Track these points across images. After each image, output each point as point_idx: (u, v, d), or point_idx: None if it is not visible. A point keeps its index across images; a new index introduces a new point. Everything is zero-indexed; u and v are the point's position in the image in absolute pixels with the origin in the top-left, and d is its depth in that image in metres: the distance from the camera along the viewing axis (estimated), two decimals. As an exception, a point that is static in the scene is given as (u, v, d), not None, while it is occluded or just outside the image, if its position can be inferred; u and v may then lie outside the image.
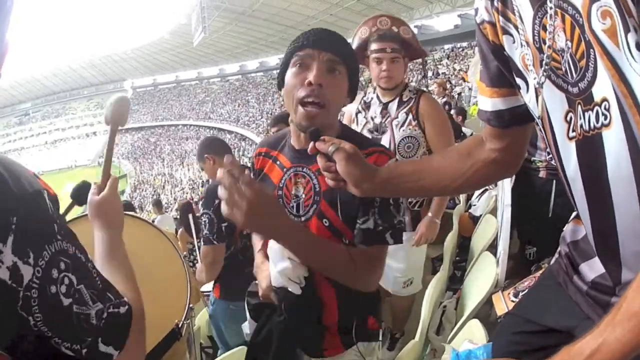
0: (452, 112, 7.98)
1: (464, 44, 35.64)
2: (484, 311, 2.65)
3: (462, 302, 2.89)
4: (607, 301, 0.99)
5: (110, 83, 79.52)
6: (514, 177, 3.17)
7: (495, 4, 1.02)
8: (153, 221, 7.68)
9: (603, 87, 0.79)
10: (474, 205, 4.75)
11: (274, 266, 1.50)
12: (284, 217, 1.40)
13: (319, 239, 1.48)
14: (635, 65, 0.73)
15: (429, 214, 2.97)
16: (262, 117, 46.19)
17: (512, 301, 2.38)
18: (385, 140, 2.87)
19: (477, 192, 4.86)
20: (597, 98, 0.81)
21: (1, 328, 0.75)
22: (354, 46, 2.98)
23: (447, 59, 35.39)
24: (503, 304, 2.41)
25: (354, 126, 3.04)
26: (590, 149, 0.85)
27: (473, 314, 2.35)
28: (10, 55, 0.91)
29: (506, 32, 1.01)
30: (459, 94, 15.37)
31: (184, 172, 48.06)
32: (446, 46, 37.90)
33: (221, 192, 1.28)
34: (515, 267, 3.14)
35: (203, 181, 36.47)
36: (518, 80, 1.03)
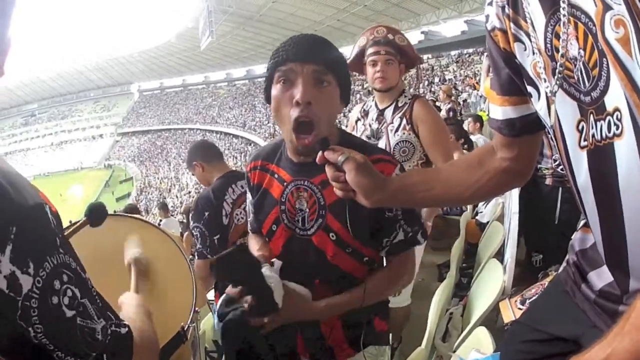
0: (469, 119, 7.79)
1: (471, 50, 35.65)
2: (490, 318, 2.63)
3: (469, 309, 2.87)
4: (614, 309, 0.98)
5: (117, 86, 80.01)
6: (520, 184, 3.15)
7: (507, 10, 1.01)
8: (159, 224, 7.70)
9: (615, 97, 0.78)
10: (481, 212, 4.74)
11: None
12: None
13: (338, 303, 1.53)
14: None
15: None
16: (268, 122, 46.31)
17: (519, 308, 2.36)
18: (381, 145, 2.89)
19: (483, 199, 4.84)
20: (609, 107, 0.79)
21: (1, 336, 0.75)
22: (353, 55, 3.08)
23: (455, 64, 35.40)
24: (510, 312, 2.40)
25: (354, 133, 3.07)
26: (602, 158, 0.84)
27: (480, 321, 2.33)
28: (16, 54, 0.90)
29: (517, 39, 1.00)
30: (465, 100, 15.34)
31: (190, 175, 48.14)
32: (453, 52, 37.89)
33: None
34: (522, 274, 3.13)
35: (208, 185, 36.52)
36: (529, 88, 1.02)
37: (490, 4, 1.07)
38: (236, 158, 43.99)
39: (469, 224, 4.60)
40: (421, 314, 3.22)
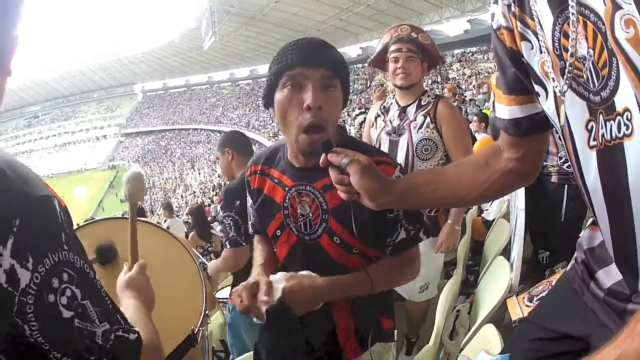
0: (475, 118, 7.74)
1: (474, 49, 35.60)
2: (498, 315, 2.63)
3: (476, 306, 2.87)
4: (623, 308, 0.98)
5: (120, 87, 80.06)
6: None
7: (513, 9, 1.00)
8: (163, 224, 7.71)
9: (625, 97, 0.77)
10: (487, 210, 4.73)
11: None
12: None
13: (342, 282, 1.48)
14: None
15: (449, 221, 2.97)
16: (272, 122, 46.24)
17: (527, 306, 2.36)
18: (402, 142, 2.91)
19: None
20: (619, 108, 0.79)
21: None
22: (376, 52, 3.11)
23: (459, 63, 35.35)
24: (517, 309, 2.39)
25: (372, 130, 3.13)
26: (611, 158, 0.83)
27: (487, 319, 2.33)
28: (21, 54, 0.90)
29: (524, 38, 0.99)
30: (471, 99, 15.31)
31: (194, 175, 48.27)
32: (456, 51, 37.81)
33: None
34: (528, 271, 3.12)
35: (214, 185, 36.59)
36: (537, 87, 1.01)
37: (496, 2, 1.06)
38: (240, 158, 43.88)
39: (475, 222, 4.60)
40: (429, 312, 3.23)
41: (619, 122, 0.79)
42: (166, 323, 1.24)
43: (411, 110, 2.93)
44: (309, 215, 1.54)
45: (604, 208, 0.90)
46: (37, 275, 0.73)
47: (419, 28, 3.02)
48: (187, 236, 7.50)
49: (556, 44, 0.90)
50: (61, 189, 47.86)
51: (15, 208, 0.73)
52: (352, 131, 17.67)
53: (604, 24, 0.78)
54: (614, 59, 0.77)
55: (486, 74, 26.78)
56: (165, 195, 44.43)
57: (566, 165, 3.14)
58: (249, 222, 1.81)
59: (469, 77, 28.41)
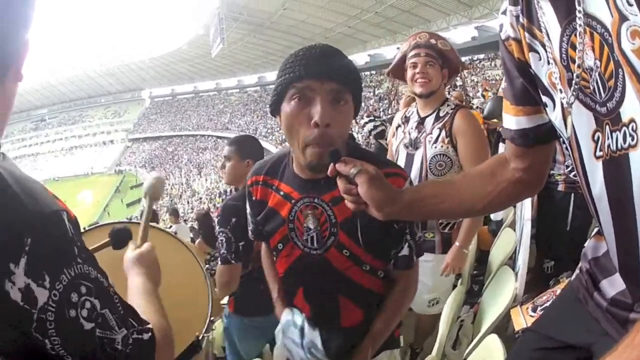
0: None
1: (481, 56, 35.63)
2: (501, 325, 2.62)
3: (480, 316, 2.86)
4: (625, 317, 0.98)
5: (127, 92, 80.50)
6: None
7: (521, 20, 1.01)
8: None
9: (631, 108, 0.78)
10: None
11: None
12: None
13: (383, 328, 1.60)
14: None
15: (457, 243, 2.77)
16: (280, 129, 46.23)
17: (531, 316, 2.34)
18: (417, 157, 2.80)
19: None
20: (624, 119, 0.79)
21: (14, 348, 0.74)
22: (394, 61, 2.97)
23: (466, 70, 35.32)
24: (521, 319, 2.38)
25: (392, 140, 3.03)
26: (617, 168, 0.84)
27: (491, 329, 2.31)
28: (31, 58, 0.90)
29: (532, 49, 1.00)
30: (477, 107, 15.25)
31: (201, 182, 48.40)
32: (463, 58, 37.60)
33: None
34: (533, 281, 3.10)
35: (220, 191, 36.69)
36: (544, 98, 1.01)
37: (505, 13, 1.06)
38: (247, 164, 44.06)
39: (481, 231, 4.58)
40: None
41: (625, 133, 0.80)
42: (173, 328, 1.22)
43: (429, 122, 2.79)
44: (317, 229, 1.50)
45: (609, 218, 0.91)
46: (55, 293, 0.75)
47: (438, 35, 2.88)
48: (193, 242, 7.50)
49: (563, 55, 0.90)
50: (67, 192, 48.23)
51: (26, 227, 0.74)
52: (360, 139, 17.66)
53: (610, 35, 0.78)
54: (620, 70, 0.78)
55: (493, 81, 26.78)
56: (171, 201, 44.51)
57: (573, 174, 3.14)
58: (250, 228, 1.78)
59: (477, 83, 28.38)
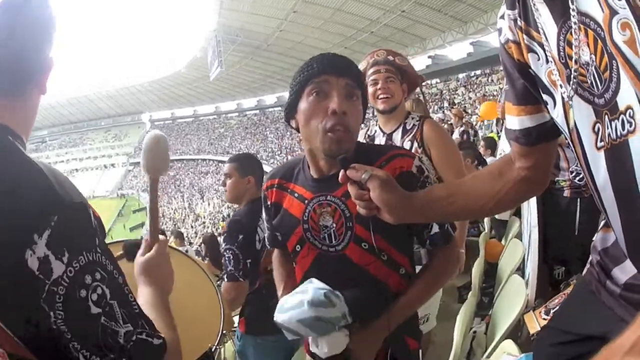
0: (482, 143, 7.66)
1: (478, 72, 35.69)
2: (514, 333, 2.62)
3: (493, 325, 2.87)
4: (639, 300, 1.00)
5: (127, 115, 80.00)
6: (539, 198, 3.18)
7: (519, 23, 1.05)
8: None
9: (627, 96, 0.82)
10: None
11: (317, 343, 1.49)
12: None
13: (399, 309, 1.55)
14: None
15: None
16: (281, 152, 46.40)
17: (544, 319, 2.36)
18: None
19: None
20: (621, 107, 0.84)
21: (19, 314, 0.77)
22: None
23: (464, 87, 35.45)
24: (535, 323, 2.40)
25: None
26: (618, 155, 0.87)
27: (506, 334, 2.33)
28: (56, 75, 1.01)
29: (531, 50, 1.04)
30: (475, 123, 15.20)
31: (204, 206, 48.25)
32: (460, 75, 37.93)
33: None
34: (543, 288, 3.12)
35: (224, 215, 36.59)
36: (545, 97, 1.06)
37: (503, 17, 1.11)
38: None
39: (488, 243, 4.60)
40: (443, 336, 3.21)
41: (623, 120, 0.84)
42: (184, 341, 1.12)
43: (397, 136, 2.80)
44: (333, 227, 1.53)
45: (615, 205, 0.94)
46: (70, 270, 0.80)
47: (395, 52, 2.90)
48: (199, 264, 7.47)
49: (561, 53, 0.95)
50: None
51: (53, 207, 0.81)
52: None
53: (602, 29, 0.83)
54: (613, 61, 0.83)
55: (491, 97, 26.82)
56: (174, 225, 44.34)
57: (578, 179, 3.18)
58: (265, 235, 1.81)
59: (474, 101, 28.43)
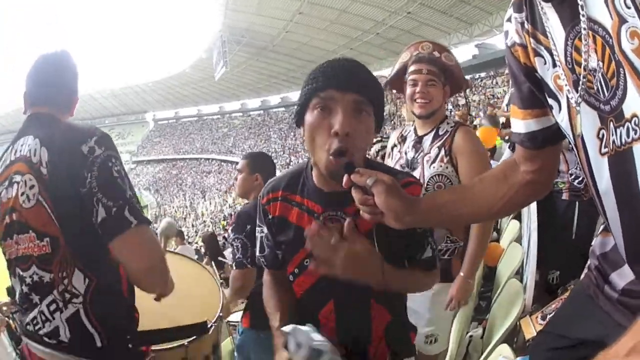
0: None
1: (483, 74, 35.72)
2: (510, 338, 2.60)
3: (490, 329, 2.85)
4: (637, 305, 1.00)
5: (132, 114, 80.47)
6: (538, 200, 3.15)
7: (526, 26, 1.05)
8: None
9: (633, 104, 0.82)
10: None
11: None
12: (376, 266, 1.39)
13: (401, 275, 1.50)
14: None
15: (461, 274, 2.49)
16: (284, 153, 46.49)
17: (540, 324, 2.34)
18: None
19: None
20: (627, 114, 0.83)
21: (67, 181, 1.47)
22: (393, 71, 2.80)
23: (468, 89, 35.39)
24: (532, 328, 2.38)
25: (388, 161, 2.85)
26: (622, 162, 0.87)
27: (502, 338, 2.31)
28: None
29: (537, 54, 1.04)
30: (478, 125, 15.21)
31: (205, 205, 48.38)
32: (465, 77, 37.86)
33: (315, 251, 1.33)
34: (540, 293, 3.10)
35: (225, 215, 36.69)
36: (550, 101, 1.05)
37: (509, 20, 1.11)
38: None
39: (488, 246, 4.56)
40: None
41: (628, 128, 0.83)
42: (189, 308, 1.73)
43: (427, 140, 2.59)
44: None
45: (616, 210, 0.93)
46: (104, 154, 1.52)
47: (443, 46, 2.71)
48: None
49: (568, 58, 0.94)
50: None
51: (97, 130, 1.59)
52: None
53: (611, 37, 0.82)
54: (621, 69, 0.82)
55: (496, 100, 26.78)
56: (176, 223, 44.37)
57: (576, 182, 3.17)
58: (263, 254, 1.72)
59: (478, 103, 28.42)
